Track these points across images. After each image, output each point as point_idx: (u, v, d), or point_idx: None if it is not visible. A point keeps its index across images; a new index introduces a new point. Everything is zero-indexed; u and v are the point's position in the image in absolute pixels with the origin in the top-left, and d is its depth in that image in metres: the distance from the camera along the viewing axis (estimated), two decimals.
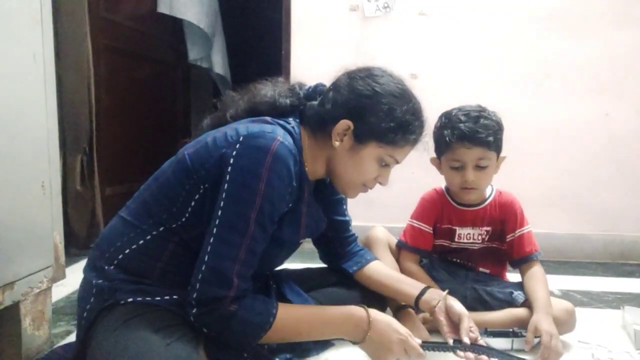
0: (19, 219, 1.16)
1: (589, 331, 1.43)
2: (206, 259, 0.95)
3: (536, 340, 1.24)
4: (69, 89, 2.24)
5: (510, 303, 1.42)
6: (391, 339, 1.05)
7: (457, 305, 1.22)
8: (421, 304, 1.25)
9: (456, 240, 1.51)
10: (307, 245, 1.37)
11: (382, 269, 1.36)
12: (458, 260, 1.54)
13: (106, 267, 1.02)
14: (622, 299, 1.80)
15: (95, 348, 0.94)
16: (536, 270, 1.43)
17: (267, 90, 1.16)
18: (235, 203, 0.96)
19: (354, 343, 1.08)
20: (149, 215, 1.04)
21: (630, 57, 2.36)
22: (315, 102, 1.14)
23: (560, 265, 2.32)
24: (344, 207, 1.36)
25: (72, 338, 1.29)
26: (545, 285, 1.38)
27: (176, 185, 1.03)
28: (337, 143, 1.09)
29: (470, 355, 1.12)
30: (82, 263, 1.10)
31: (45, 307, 1.28)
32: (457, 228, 1.50)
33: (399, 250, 1.54)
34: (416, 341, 1.07)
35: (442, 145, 1.41)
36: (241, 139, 0.99)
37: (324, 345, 1.28)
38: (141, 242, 1.02)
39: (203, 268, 0.95)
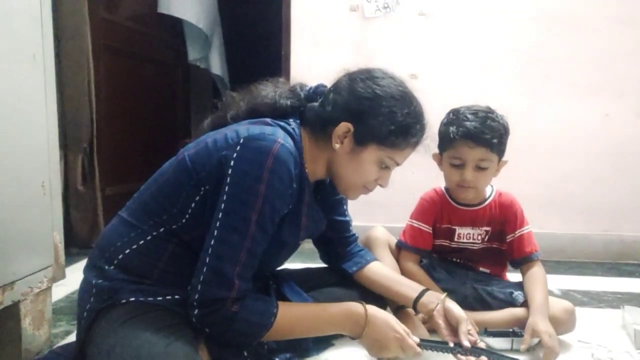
0: (19, 219, 1.16)
1: (589, 331, 1.43)
2: (207, 260, 0.96)
3: (534, 340, 1.24)
4: (70, 88, 2.24)
5: (511, 303, 1.42)
6: (388, 336, 1.07)
7: (455, 309, 1.21)
8: (419, 306, 1.25)
9: (456, 240, 1.51)
10: (307, 245, 1.37)
11: (382, 270, 1.36)
12: (458, 260, 1.54)
13: (106, 267, 1.02)
14: (622, 299, 1.80)
15: (95, 348, 0.94)
16: (536, 270, 1.43)
17: (268, 91, 1.16)
18: (236, 205, 0.96)
19: (352, 338, 1.10)
20: (149, 216, 1.04)
21: (631, 57, 2.36)
22: (315, 104, 1.14)
23: (560, 265, 2.32)
24: (344, 207, 1.36)
25: (72, 338, 1.29)
26: (544, 287, 1.38)
27: (176, 187, 1.03)
28: (337, 145, 1.09)
29: (472, 358, 1.12)
30: (82, 263, 1.10)
31: (45, 307, 1.28)
32: (456, 228, 1.50)
33: (399, 250, 1.54)
34: (414, 339, 1.08)
35: (446, 141, 1.41)
36: (242, 140, 0.99)
37: (323, 345, 1.28)
38: (141, 242, 1.02)
39: (204, 269, 0.95)
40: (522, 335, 1.27)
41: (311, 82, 1.21)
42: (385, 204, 2.25)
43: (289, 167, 1.00)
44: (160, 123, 3.07)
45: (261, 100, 1.14)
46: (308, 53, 2.46)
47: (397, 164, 1.14)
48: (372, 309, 1.10)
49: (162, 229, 1.03)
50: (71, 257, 2.00)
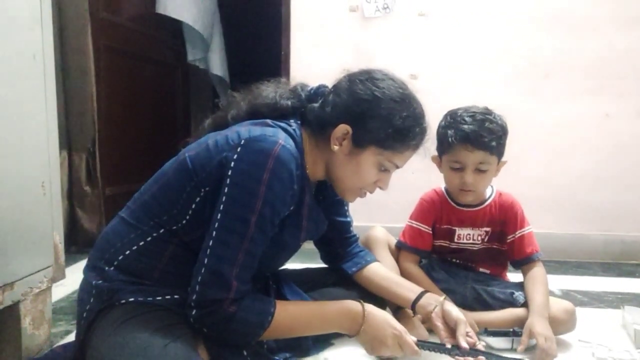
0: (19, 219, 1.16)
1: (590, 330, 1.43)
2: (205, 261, 0.96)
3: (533, 341, 1.24)
4: (74, 89, 2.26)
5: (511, 303, 1.42)
6: (386, 333, 1.07)
7: (453, 311, 1.21)
8: (417, 308, 1.24)
9: (456, 240, 1.51)
10: (307, 245, 1.37)
11: (381, 271, 1.35)
12: (458, 261, 1.54)
13: (106, 268, 1.02)
14: (622, 299, 1.80)
15: (95, 348, 0.95)
16: (537, 271, 1.43)
17: (269, 91, 1.15)
18: (236, 206, 0.96)
19: (350, 336, 1.10)
20: (150, 216, 1.04)
21: (631, 57, 2.36)
22: (316, 105, 1.14)
23: (561, 265, 2.32)
24: (345, 208, 1.36)
25: (71, 338, 1.29)
26: (544, 287, 1.38)
27: (177, 188, 1.03)
28: (335, 147, 1.09)
29: (469, 359, 1.12)
30: (82, 263, 1.10)
31: (45, 307, 1.28)
32: (456, 228, 1.50)
33: (399, 250, 1.54)
34: (411, 338, 1.08)
35: (445, 145, 1.40)
36: (242, 142, 0.99)
37: (323, 344, 1.28)
38: (141, 243, 1.02)
39: (202, 270, 0.95)
40: (522, 335, 1.27)
41: (311, 82, 1.21)
42: (385, 204, 2.25)
43: (290, 169, 0.99)
44: (159, 123, 3.07)
45: (262, 100, 1.14)
46: (308, 53, 2.46)
47: (397, 167, 1.13)
48: (370, 307, 1.10)
49: (162, 230, 1.03)
50: (71, 257, 2.00)
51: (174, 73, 3.27)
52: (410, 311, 1.32)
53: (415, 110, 1.09)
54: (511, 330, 1.31)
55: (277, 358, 1.13)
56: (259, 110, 1.13)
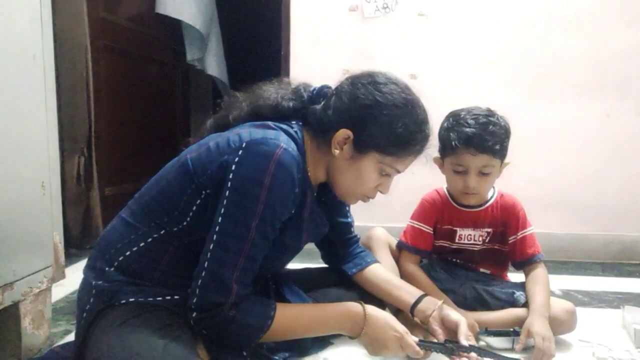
0: (19, 219, 1.16)
1: (590, 330, 1.43)
2: (206, 265, 0.95)
3: (531, 341, 1.24)
4: (67, 90, 2.24)
5: (512, 303, 1.42)
6: (387, 335, 1.07)
7: (452, 314, 1.20)
8: (416, 312, 1.24)
9: (457, 241, 1.51)
10: (308, 245, 1.37)
11: (382, 273, 1.34)
12: (458, 261, 1.54)
13: (106, 269, 1.02)
14: (622, 299, 1.80)
15: (94, 348, 0.94)
16: (538, 272, 1.43)
17: (271, 92, 1.14)
18: (236, 210, 0.96)
19: (352, 338, 1.09)
20: (150, 218, 1.04)
21: (631, 57, 2.35)
22: (318, 107, 1.12)
23: (561, 265, 2.32)
24: (347, 208, 1.35)
25: (71, 337, 1.29)
26: (545, 288, 1.38)
27: (178, 189, 1.03)
28: (336, 152, 1.08)
29: (474, 355, 1.11)
30: (82, 263, 1.10)
31: (45, 307, 1.28)
32: (457, 229, 1.50)
33: (399, 250, 1.54)
34: (413, 339, 1.07)
35: (447, 148, 1.38)
36: (244, 145, 0.98)
37: (322, 344, 1.28)
38: (142, 244, 1.02)
39: (203, 274, 0.95)
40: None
41: (311, 82, 1.20)
42: (385, 205, 2.25)
43: (292, 172, 0.99)
44: (159, 123, 3.07)
45: (263, 101, 1.13)
46: (308, 53, 2.46)
47: (398, 172, 1.12)
48: (371, 309, 1.09)
49: (162, 231, 1.03)
50: (70, 257, 2.00)
51: (174, 73, 3.26)
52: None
53: (418, 117, 1.08)
54: (512, 330, 1.31)
55: (276, 358, 1.13)
56: (261, 111, 1.13)
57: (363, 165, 1.08)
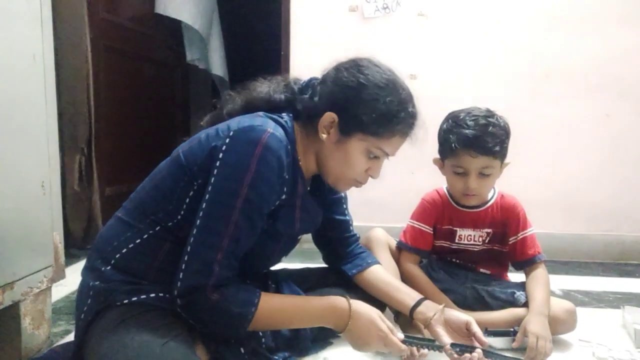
0: (19, 219, 1.16)
1: (590, 330, 1.43)
2: (189, 249, 0.96)
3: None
4: (67, 90, 2.24)
5: (512, 303, 1.41)
6: (371, 333, 1.05)
7: (461, 315, 1.20)
8: (416, 314, 1.23)
9: (456, 241, 1.50)
10: (307, 244, 1.37)
11: (381, 274, 1.33)
12: (458, 261, 1.54)
13: (103, 268, 1.02)
14: (622, 299, 1.80)
15: (93, 348, 0.95)
16: (539, 272, 1.42)
17: (264, 87, 1.16)
18: (220, 193, 0.97)
19: (337, 332, 1.09)
20: (146, 214, 1.04)
21: (631, 57, 2.35)
22: (306, 96, 1.13)
23: (561, 265, 2.32)
24: (344, 206, 1.35)
25: (71, 337, 1.29)
26: (545, 287, 1.38)
27: (171, 183, 1.03)
28: (324, 136, 1.09)
29: (476, 354, 1.10)
30: (82, 263, 1.10)
31: (45, 307, 1.28)
32: (457, 229, 1.50)
33: (399, 251, 1.54)
34: (398, 336, 1.07)
35: (447, 150, 1.38)
36: (232, 133, 1.00)
37: (322, 343, 1.28)
38: (137, 241, 1.02)
39: (186, 258, 0.95)
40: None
41: None
42: (385, 205, 2.25)
43: (279, 155, 0.99)
44: (159, 123, 3.08)
45: (256, 95, 1.15)
46: (307, 53, 2.46)
47: (387, 154, 1.12)
48: (356, 305, 1.07)
49: (158, 227, 1.03)
50: (70, 257, 2.00)
51: (174, 73, 3.27)
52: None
53: (400, 95, 1.08)
54: (512, 330, 1.31)
55: (276, 358, 1.13)
56: (254, 104, 1.14)
57: (350, 148, 1.08)
